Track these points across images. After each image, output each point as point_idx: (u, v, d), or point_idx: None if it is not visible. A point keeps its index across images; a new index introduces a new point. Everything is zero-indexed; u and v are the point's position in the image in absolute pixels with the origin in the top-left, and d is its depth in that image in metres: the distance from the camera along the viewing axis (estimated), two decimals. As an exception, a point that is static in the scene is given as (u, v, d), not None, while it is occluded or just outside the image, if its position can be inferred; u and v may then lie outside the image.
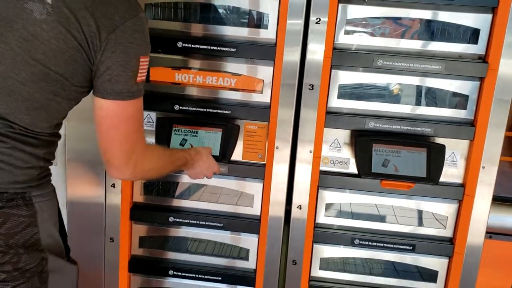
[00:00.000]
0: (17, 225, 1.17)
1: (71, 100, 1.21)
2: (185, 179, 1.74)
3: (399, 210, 1.72)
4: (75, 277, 1.34)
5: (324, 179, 1.68)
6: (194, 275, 1.81)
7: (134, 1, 1.19)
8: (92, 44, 1.12)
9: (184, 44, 1.61)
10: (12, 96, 1.13)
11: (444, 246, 1.70)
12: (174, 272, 1.82)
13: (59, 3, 1.09)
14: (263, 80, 1.63)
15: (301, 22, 1.55)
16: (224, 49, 1.60)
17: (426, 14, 1.57)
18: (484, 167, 1.60)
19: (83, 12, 1.10)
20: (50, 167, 1.28)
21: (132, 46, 1.15)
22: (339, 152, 1.67)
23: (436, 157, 1.58)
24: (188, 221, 1.76)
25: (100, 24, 1.11)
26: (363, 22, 1.61)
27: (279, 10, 1.55)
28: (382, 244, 1.72)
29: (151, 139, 1.69)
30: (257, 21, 1.63)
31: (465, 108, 1.61)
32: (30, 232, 1.20)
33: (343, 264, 1.83)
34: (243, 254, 1.82)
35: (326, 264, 1.79)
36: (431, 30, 1.62)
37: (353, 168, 1.67)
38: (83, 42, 1.11)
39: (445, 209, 1.69)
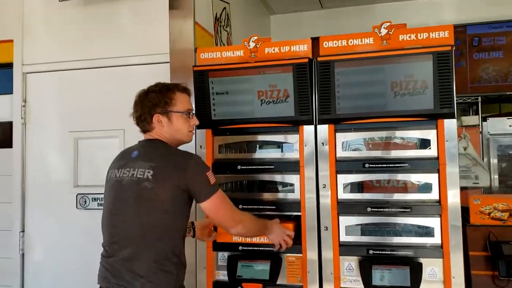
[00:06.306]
0: None
1: None
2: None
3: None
4: None
5: (344, 294, 2.39)
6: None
7: (187, 154, 2.08)
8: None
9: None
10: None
11: None
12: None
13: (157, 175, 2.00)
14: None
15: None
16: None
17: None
18: (454, 277, 2.26)
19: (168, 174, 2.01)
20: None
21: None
22: (352, 272, 2.41)
23: (416, 272, 2.27)
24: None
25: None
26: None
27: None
28: None
29: (223, 271, 2.53)
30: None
31: (433, 236, 2.33)
32: None
33: None
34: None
35: None
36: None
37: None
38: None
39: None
